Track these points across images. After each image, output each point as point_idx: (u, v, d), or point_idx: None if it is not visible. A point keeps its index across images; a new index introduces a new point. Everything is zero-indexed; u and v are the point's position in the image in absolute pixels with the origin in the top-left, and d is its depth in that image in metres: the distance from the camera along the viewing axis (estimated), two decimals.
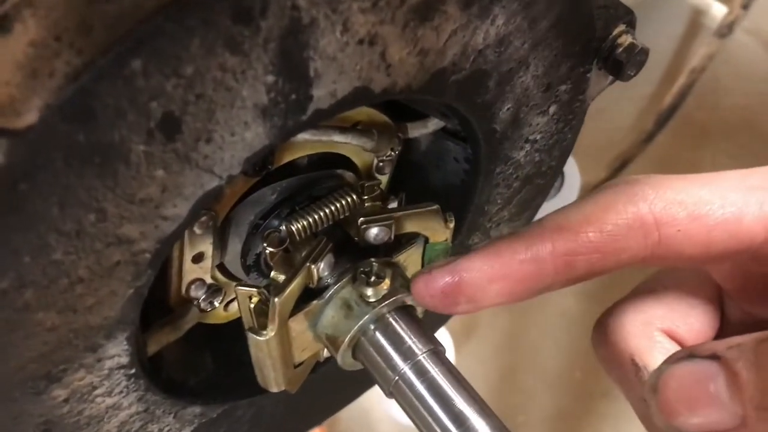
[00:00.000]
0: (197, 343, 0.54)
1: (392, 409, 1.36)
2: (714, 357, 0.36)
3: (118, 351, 0.41)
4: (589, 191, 1.25)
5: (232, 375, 0.54)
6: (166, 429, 0.49)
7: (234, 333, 0.54)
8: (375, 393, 1.36)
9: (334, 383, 0.63)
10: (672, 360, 0.38)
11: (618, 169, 1.31)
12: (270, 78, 0.34)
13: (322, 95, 0.36)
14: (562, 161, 0.59)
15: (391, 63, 0.38)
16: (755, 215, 0.41)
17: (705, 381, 0.36)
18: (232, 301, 0.52)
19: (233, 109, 0.34)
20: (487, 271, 0.40)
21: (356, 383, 0.67)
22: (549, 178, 0.59)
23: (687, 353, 0.38)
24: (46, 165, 0.30)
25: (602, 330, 0.47)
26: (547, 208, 0.91)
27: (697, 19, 1.50)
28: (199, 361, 0.54)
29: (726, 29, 1.20)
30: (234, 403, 0.53)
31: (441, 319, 0.67)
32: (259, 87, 0.34)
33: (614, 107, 1.49)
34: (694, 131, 1.48)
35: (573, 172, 0.89)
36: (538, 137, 0.53)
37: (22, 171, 0.29)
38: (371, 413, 1.37)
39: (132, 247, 0.36)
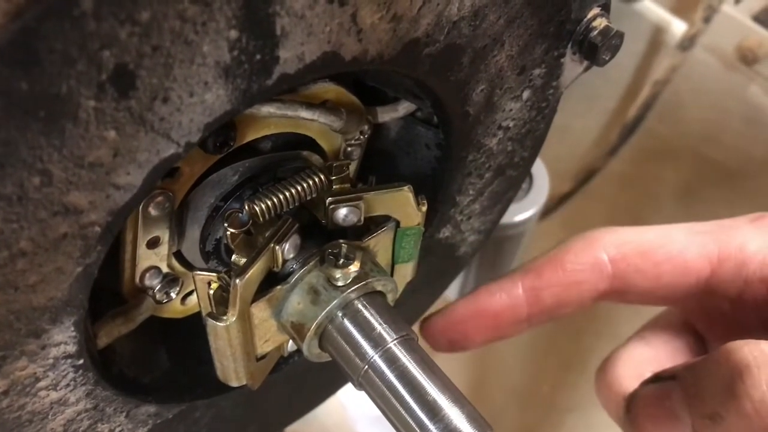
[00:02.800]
0: (152, 339, 0.51)
1: (357, 426, 1.32)
2: (673, 377, 0.42)
3: (64, 338, 0.37)
4: (556, 201, 1.24)
5: (189, 373, 0.51)
6: (118, 429, 0.46)
7: (192, 329, 0.51)
8: (338, 409, 1.32)
9: (297, 386, 0.60)
10: (643, 383, 0.45)
11: (583, 182, 1.31)
12: (233, 33, 0.31)
13: (288, 57, 0.34)
14: (534, 153, 0.57)
15: (363, 27, 0.36)
16: (698, 253, 0.48)
17: (664, 398, 0.42)
18: (190, 294, 0.49)
19: (193, 65, 0.31)
20: (470, 310, 0.52)
21: (320, 386, 0.64)
22: (521, 170, 0.57)
23: (654, 376, 0.44)
24: None
25: (602, 374, 0.54)
26: (515, 209, 0.91)
27: (657, 35, 1.52)
28: (154, 358, 0.51)
29: (688, 42, 1.21)
30: (191, 403, 0.50)
31: (417, 312, 0.65)
32: (221, 43, 0.31)
33: (579, 121, 1.50)
34: (657, 145, 1.49)
35: (541, 175, 0.88)
36: (511, 124, 0.51)
37: None
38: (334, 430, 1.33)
39: (80, 218, 0.33)
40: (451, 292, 1.14)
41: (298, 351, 0.46)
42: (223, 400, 0.52)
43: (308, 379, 0.60)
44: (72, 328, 0.37)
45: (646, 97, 1.25)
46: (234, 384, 0.44)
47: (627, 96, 1.42)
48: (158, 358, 0.51)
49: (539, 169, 0.88)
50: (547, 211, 1.25)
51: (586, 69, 0.52)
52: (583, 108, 1.51)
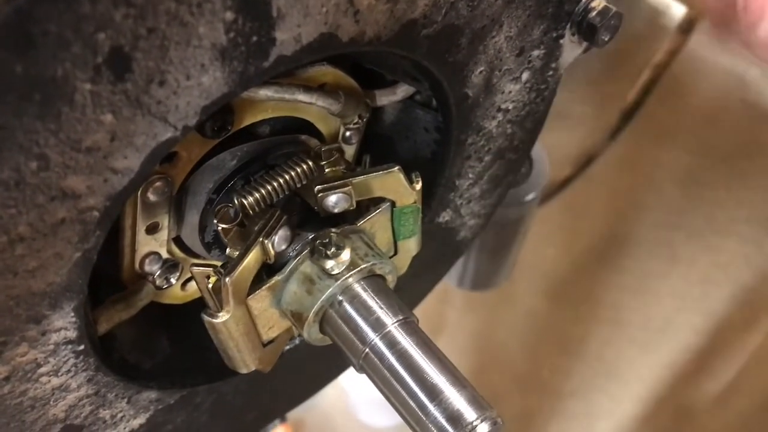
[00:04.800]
0: (153, 325, 0.51)
1: (359, 413, 1.33)
2: None
3: (64, 323, 0.37)
4: (557, 186, 1.24)
5: (190, 359, 0.51)
6: (119, 415, 0.46)
7: (192, 315, 0.50)
8: (340, 396, 1.33)
9: (299, 372, 0.60)
10: None
11: (583, 166, 1.31)
12: (229, 15, 0.31)
13: (285, 39, 0.34)
14: (534, 136, 0.57)
15: (360, 8, 0.36)
16: None
17: None
18: (189, 279, 0.49)
19: (189, 48, 0.31)
20: None
21: (321, 372, 0.64)
22: (520, 153, 0.57)
23: None
24: None
25: None
26: (515, 193, 0.90)
27: (657, 18, 1.52)
28: (154, 344, 0.51)
29: (688, 25, 1.21)
30: (193, 389, 0.50)
31: (417, 297, 0.65)
32: (217, 24, 0.31)
33: (579, 106, 1.50)
34: (657, 129, 1.49)
35: (541, 159, 0.87)
36: (510, 106, 0.51)
37: None
38: (336, 418, 1.34)
39: (78, 203, 0.33)
40: (451, 279, 1.14)
41: None
42: (224, 385, 0.52)
43: (309, 366, 0.60)
44: (72, 314, 0.37)
45: (646, 81, 1.24)
46: (243, 371, 0.44)
47: (627, 79, 1.42)
48: (159, 344, 0.51)
49: (539, 153, 0.87)
50: (548, 196, 1.25)
51: (586, 50, 0.51)
52: (583, 93, 1.51)
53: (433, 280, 0.66)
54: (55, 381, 0.40)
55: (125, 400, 0.45)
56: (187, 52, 0.31)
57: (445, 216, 0.56)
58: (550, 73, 0.51)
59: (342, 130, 0.48)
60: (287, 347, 0.54)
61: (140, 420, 0.47)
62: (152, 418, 0.48)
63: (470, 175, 0.54)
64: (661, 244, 1.47)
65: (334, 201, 0.42)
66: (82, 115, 0.30)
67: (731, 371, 1.38)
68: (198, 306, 0.48)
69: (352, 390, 1.29)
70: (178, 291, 0.49)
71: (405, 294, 0.59)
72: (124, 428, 0.47)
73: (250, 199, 0.42)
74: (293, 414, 0.75)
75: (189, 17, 0.30)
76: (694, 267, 1.46)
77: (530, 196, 0.88)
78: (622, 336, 1.41)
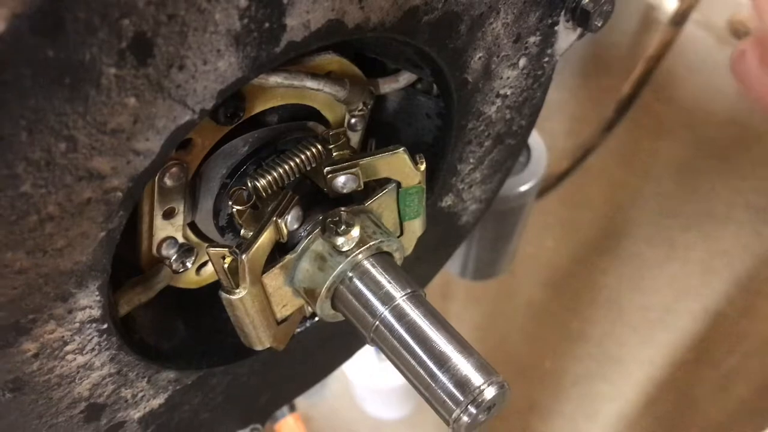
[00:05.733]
0: (169, 309, 0.53)
1: (366, 406, 1.34)
2: None
3: (89, 302, 0.39)
4: (555, 179, 1.26)
5: (205, 342, 0.53)
6: (140, 395, 0.48)
7: (207, 299, 0.53)
8: (347, 389, 1.33)
9: (309, 356, 0.62)
10: None
11: (580, 159, 1.33)
12: (243, 2, 0.33)
13: (295, 25, 0.36)
14: (532, 122, 0.59)
15: None
16: None
17: None
18: (204, 264, 0.51)
19: (206, 33, 0.33)
20: None
21: (331, 355, 0.66)
22: (519, 138, 0.59)
23: None
24: (14, 82, 0.29)
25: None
26: (514, 182, 0.92)
27: (649, 12, 1.54)
28: (171, 327, 0.53)
29: (680, 17, 1.23)
30: (209, 369, 0.52)
31: (421, 281, 0.66)
32: (232, 11, 0.33)
33: (575, 98, 1.52)
34: (653, 122, 1.51)
35: (539, 148, 0.90)
36: (509, 92, 0.53)
37: None
38: (343, 412, 1.35)
39: (103, 183, 0.35)
40: (454, 269, 1.16)
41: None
42: (238, 367, 0.54)
43: (320, 349, 0.62)
44: (96, 293, 0.39)
45: (641, 73, 1.27)
46: (258, 348, 0.46)
47: (622, 72, 1.44)
48: (175, 327, 0.53)
49: (536, 142, 0.89)
50: (546, 188, 1.27)
51: (580, 36, 0.53)
52: (578, 86, 1.53)
53: (436, 264, 0.68)
54: (80, 359, 0.42)
55: (145, 379, 0.47)
56: (204, 38, 0.33)
57: (448, 200, 0.58)
58: (546, 59, 0.53)
59: (347, 117, 0.50)
60: (299, 330, 0.56)
61: (159, 400, 0.49)
62: (170, 398, 0.50)
63: (471, 160, 0.56)
64: (659, 235, 1.49)
65: (343, 182, 0.44)
66: (108, 98, 0.32)
67: (731, 358, 1.40)
68: (211, 292, 0.50)
69: (358, 383, 1.30)
70: (192, 275, 0.51)
71: (417, 270, 0.61)
72: (144, 408, 0.49)
73: (263, 181, 0.44)
74: (301, 407, 0.77)
75: (206, 4, 0.32)
76: (692, 256, 1.48)
77: (529, 184, 0.90)
78: (623, 325, 1.43)
